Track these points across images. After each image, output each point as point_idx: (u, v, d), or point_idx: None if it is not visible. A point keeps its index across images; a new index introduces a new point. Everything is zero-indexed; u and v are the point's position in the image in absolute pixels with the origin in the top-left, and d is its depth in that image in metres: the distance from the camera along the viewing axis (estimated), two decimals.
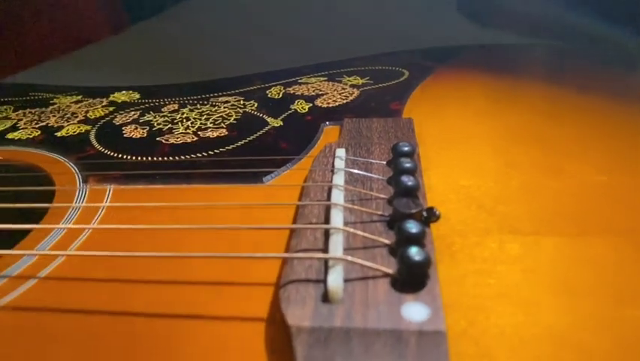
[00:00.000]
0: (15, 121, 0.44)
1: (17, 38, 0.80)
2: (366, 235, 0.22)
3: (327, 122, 0.38)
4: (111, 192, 0.31)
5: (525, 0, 0.78)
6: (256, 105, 0.43)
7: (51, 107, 0.46)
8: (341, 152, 0.30)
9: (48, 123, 0.43)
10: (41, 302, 0.22)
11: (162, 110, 0.44)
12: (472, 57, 0.53)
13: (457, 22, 0.82)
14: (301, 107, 0.42)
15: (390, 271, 0.20)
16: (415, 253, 0.20)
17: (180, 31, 0.95)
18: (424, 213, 0.23)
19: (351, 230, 0.23)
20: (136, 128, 0.40)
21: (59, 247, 0.26)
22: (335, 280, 0.20)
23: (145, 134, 0.39)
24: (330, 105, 0.41)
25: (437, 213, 0.23)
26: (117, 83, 0.52)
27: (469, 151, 0.32)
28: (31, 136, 0.40)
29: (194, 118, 0.41)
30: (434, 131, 0.34)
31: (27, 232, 0.27)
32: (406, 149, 0.29)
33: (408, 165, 0.27)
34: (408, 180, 0.25)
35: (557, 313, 0.20)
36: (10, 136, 0.40)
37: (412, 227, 0.21)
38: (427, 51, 0.55)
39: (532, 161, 0.30)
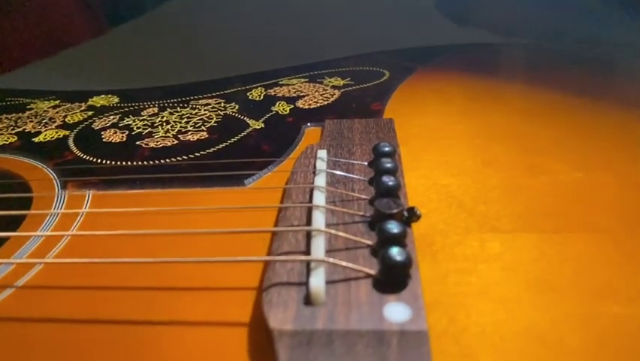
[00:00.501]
0: None
1: None
2: (347, 236, 0.22)
3: (309, 124, 0.38)
4: (90, 198, 0.30)
5: (503, 0, 0.79)
6: (237, 107, 0.43)
7: (28, 113, 0.46)
8: (322, 153, 0.30)
9: (25, 129, 0.42)
10: (19, 311, 0.22)
11: (142, 113, 0.43)
12: (451, 57, 0.53)
13: (437, 23, 0.83)
14: (282, 108, 0.41)
15: (372, 271, 0.20)
16: (395, 253, 0.20)
17: (159, 35, 0.94)
18: (405, 213, 0.23)
19: (333, 232, 0.23)
20: (115, 132, 0.40)
21: (37, 254, 0.25)
22: (317, 282, 0.20)
23: (124, 139, 0.38)
24: (312, 106, 0.41)
25: (418, 212, 0.24)
26: (96, 87, 0.52)
27: (450, 151, 0.32)
28: (7, 142, 0.40)
29: (174, 121, 0.41)
30: (415, 131, 0.35)
31: (4, 240, 0.26)
32: (386, 149, 0.29)
33: (389, 165, 0.27)
34: (389, 181, 0.25)
35: (538, 310, 0.20)
36: None
37: (393, 227, 0.21)
38: (407, 52, 0.56)
39: (511, 160, 0.30)
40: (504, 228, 0.24)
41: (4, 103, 0.49)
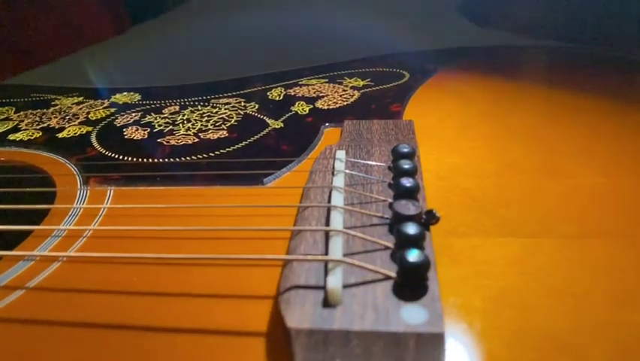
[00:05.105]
0: (16, 122, 0.44)
1: (19, 40, 0.80)
2: (366, 237, 0.22)
3: (328, 124, 0.38)
4: (112, 193, 0.31)
5: (525, 2, 0.78)
6: (257, 107, 0.43)
7: (52, 109, 0.47)
8: (341, 154, 0.30)
9: (49, 124, 0.43)
10: (38, 307, 0.22)
11: (163, 111, 0.44)
12: (472, 59, 0.53)
13: (458, 24, 0.82)
14: (302, 108, 0.42)
15: (390, 273, 0.20)
16: (413, 255, 0.20)
17: (181, 33, 0.95)
18: (424, 216, 0.23)
19: (351, 233, 0.23)
20: (137, 129, 0.40)
21: (60, 248, 0.26)
22: (334, 282, 0.20)
23: (146, 136, 0.39)
24: (331, 107, 0.41)
25: (437, 215, 0.23)
26: (118, 85, 0.53)
27: (471, 153, 0.32)
28: (32, 137, 0.40)
29: (195, 120, 0.41)
30: (435, 133, 0.34)
31: (28, 233, 0.27)
32: (405, 150, 0.29)
33: (407, 166, 0.27)
34: (407, 182, 0.25)
35: (556, 315, 0.20)
36: (11, 137, 0.41)
37: (411, 229, 0.21)
38: (427, 53, 0.55)
39: (532, 163, 0.30)
40: (523, 232, 0.24)
41: (29, 99, 0.50)
